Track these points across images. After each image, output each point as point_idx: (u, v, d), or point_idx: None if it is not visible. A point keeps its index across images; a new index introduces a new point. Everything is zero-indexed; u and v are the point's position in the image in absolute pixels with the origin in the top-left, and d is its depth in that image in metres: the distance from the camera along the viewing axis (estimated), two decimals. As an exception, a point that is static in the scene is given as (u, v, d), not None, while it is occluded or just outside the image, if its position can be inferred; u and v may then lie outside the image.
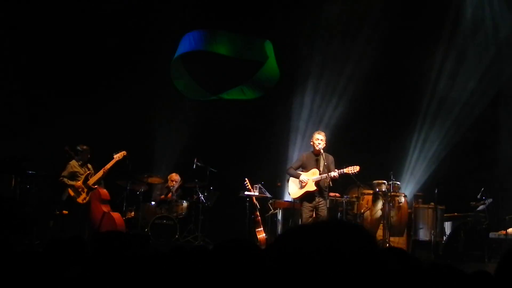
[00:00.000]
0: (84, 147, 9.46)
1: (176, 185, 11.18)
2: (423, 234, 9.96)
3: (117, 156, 9.40)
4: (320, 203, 8.51)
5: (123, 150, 9.48)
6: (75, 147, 9.49)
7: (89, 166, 9.50)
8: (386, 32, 11.68)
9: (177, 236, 10.12)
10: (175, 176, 11.19)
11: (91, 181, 9.30)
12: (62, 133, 11.02)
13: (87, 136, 10.31)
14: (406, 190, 10.67)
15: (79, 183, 9.29)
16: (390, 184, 9.79)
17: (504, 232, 9.53)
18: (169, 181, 11.16)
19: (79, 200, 9.25)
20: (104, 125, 11.48)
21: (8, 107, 11.28)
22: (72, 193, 9.27)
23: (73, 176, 9.35)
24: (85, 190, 9.28)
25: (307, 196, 8.53)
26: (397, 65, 11.73)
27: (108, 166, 9.35)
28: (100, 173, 9.33)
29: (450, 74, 11.51)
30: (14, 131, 11.16)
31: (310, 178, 8.50)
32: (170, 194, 11.01)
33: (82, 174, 9.36)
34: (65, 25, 11.50)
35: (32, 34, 11.44)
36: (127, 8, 11.69)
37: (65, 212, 9.44)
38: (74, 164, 9.40)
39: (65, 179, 9.30)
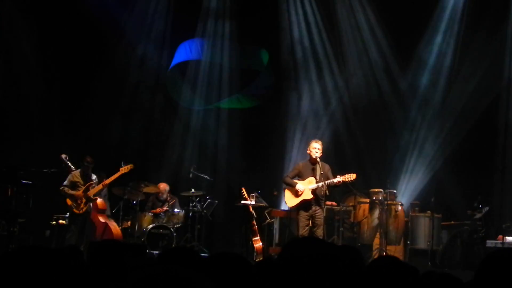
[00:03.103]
0: (89, 159, 9.40)
1: (165, 195, 10.83)
2: (420, 243, 9.96)
3: (123, 169, 9.36)
4: (316, 211, 8.48)
5: (131, 163, 9.42)
6: (80, 157, 9.46)
7: (93, 177, 9.45)
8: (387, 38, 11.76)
9: (173, 246, 10.06)
10: (164, 186, 10.79)
11: (92, 192, 9.26)
12: (59, 141, 11.01)
13: (84, 145, 10.30)
14: (403, 199, 10.66)
15: (79, 192, 9.26)
16: (386, 193, 9.79)
17: (501, 239, 9.51)
18: (159, 192, 10.85)
19: (76, 210, 9.21)
20: (99, 133, 11.47)
21: (4, 115, 11.27)
22: (69, 203, 9.23)
23: (74, 186, 9.32)
24: (84, 200, 9.25)
25: (304, 205, 8.50)
26: (392, 74, 11.77)
27: (111, 179, 9.32)
28: (99, 187, 9.30)
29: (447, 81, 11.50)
30: (10, 140, 11.13)
31: (306, 186, 8.48)
32: (158, 209, 10.66)
33: (83, 185, 9.33)
34: (70, 30, 11.53)
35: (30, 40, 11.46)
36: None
37: (61, 222, 9.39)
38: (76, 174, 9.39)
39: (66, 188, 9.28)
